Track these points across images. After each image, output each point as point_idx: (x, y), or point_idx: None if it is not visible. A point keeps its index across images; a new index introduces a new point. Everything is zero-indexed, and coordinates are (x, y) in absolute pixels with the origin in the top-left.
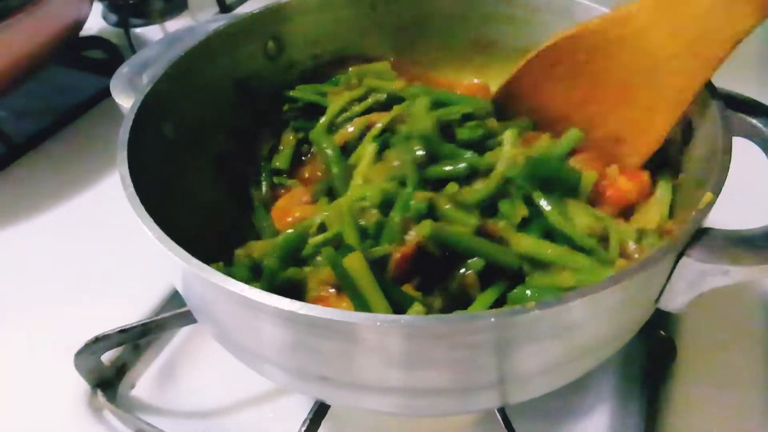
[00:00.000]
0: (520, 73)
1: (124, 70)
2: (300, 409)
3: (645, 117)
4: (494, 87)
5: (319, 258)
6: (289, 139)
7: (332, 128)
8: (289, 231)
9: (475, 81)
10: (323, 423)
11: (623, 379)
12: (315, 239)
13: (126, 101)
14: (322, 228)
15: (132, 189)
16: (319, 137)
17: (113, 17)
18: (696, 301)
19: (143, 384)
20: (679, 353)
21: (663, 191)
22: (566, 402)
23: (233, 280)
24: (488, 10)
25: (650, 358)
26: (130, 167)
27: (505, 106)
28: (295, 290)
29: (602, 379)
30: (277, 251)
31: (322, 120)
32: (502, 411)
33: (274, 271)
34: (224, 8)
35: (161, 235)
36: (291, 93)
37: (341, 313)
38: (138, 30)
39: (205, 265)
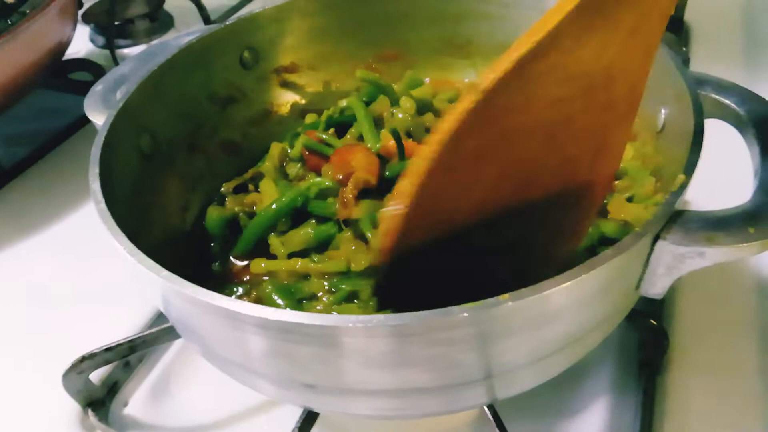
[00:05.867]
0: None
1: (97, 88)
2: (294, 419)
3: (599, 139)
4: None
5: None
6: None
7: None
8: None
9: None
10: (313, 430)
11: (618, 373)
12: None
13: (99, 118)
14: None
15: (103, 205)
16: None
17: (101, 40)
18: (686, 288)
19: (136, 401)
20: (672, 342)
21: None
22: (560, 399)
23: (203, 290)
24: (463, 8)
25: (643, 350)
26: (103, 183)
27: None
28: None
29: (597, 374)
30: None
31: None
32: (492, 409)
33: None
34: (209, 25)
35: (132, 248)
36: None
37: (313, 317)
38: (125, 51)
39: (175, 276)
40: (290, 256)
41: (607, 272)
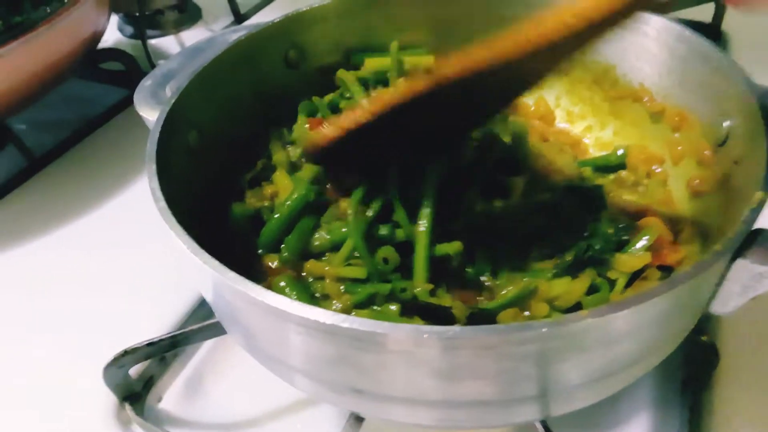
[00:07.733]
0: None
1: (147, 83)
2: (328, 421)
3: None
4: None
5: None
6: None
7: None
8: None
9: None
10: None
11: (662, 387)
12: None
13: (150, 114)
14: None
15: (163, 203)
16: None
17: (129, 29)
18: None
19: (170, 397)
20: (722, 359)
21: None
22: (605, 411)
23: (271, 293)
24: (514, 13)
25: (691, 364)
26: (160, 180)
27: None
28: None
29: (641, 387)
30: None
31: None
32: (543, 424)
33: None
34: (239, 18)
35: (195, 247)
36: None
37: (387, 326)
38: (153, 41)
39: (242, 278)
40: (306, 257)
41: (684, 291)
